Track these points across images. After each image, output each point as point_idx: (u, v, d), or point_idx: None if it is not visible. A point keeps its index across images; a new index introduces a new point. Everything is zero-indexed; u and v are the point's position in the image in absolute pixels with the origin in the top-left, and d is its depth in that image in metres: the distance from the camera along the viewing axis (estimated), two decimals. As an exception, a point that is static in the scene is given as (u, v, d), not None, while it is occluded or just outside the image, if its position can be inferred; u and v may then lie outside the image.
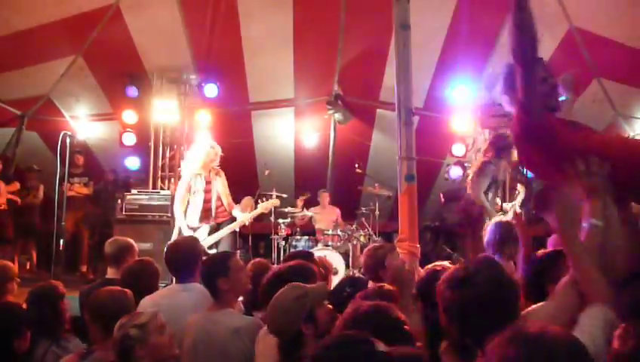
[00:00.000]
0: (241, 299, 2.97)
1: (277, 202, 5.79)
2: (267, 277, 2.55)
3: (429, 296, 2.06)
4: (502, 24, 6.87)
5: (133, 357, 2.01)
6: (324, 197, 8.15)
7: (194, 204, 5.22)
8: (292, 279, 2.29)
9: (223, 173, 5.38)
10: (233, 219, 5.34)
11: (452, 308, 1.52)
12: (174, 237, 5.25)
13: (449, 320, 1.54)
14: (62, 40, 6.90)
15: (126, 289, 2.66)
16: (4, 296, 3.12)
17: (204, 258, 3.16)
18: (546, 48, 7.16)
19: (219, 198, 5.28)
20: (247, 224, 5.46)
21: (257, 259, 3.51)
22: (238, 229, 5.44)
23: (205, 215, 5.22)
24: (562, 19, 6.60)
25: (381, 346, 1.25)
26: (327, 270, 3.36)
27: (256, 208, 5.71)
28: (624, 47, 6.55)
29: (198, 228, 5.17)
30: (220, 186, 5.29)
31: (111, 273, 3.61)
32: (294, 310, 2.04)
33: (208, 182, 5.26)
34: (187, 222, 5.15)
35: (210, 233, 5.19)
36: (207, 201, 5.24)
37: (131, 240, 3.83)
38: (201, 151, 5.27)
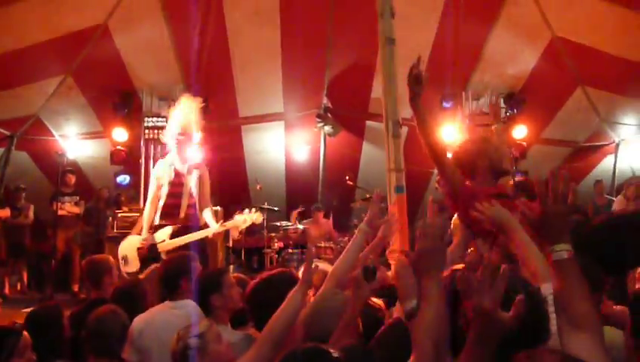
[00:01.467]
0: None
1: (255, 217, 4.66)
2: (254, 285, 2.55)
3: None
4: (486, 37, 7.03)
5: None
6: (318, 215, 7.99)
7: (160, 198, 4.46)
8: (267, 294, 2.33)
9: (204, 170, 4.64)
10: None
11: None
12: (129, 238, 4.66)
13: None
14: (51, 60, 6.92)
15: (118, 309, 2.66)
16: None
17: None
18: (530, 59, 7.38)
19: (191, 196, 4.46)
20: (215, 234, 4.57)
21: (235, 275, 3.49)
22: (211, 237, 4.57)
23: (168, 212, 4.42)
24: (545, 29, 6.74)
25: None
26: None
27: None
28: (606, 55, 6.70)
29: (160, 227, 4.45)
30: (194, 183, 4.49)
31: (94, 293, 3.55)
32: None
33: (179, 175, 4.46)
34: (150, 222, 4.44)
35: (175, 236, 4.42)
36: (173, 196, 4.43)
37: (109, 258, 3.73)
38: (174, 119, 4.56)
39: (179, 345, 2.10)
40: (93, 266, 3.58)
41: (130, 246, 4.63)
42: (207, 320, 2.22)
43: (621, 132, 8.23)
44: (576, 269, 1.36)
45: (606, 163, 8.73)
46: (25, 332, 2.37)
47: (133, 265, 4.56)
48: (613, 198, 7.81)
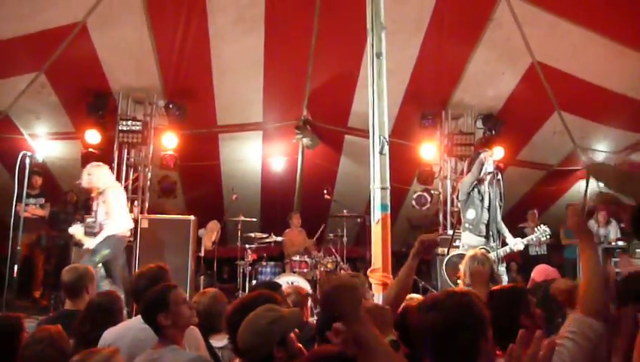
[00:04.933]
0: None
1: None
2: (233, 306, 2.46)
3: (407, 333, 2.02)
4: (468, 58, 7.10)
5: None
6: (296, 218, 8.13)
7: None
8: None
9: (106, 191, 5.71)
10: None
11: (421, 332, 1.54)
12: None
13: (422, 348, 1.55)
14: (24, 56, 6.67)
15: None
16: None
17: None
18: (509, 81, 7.48)
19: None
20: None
21: (206, 290, 3.40)
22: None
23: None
24: (525, 53, 6.85)
25: None
26: (302, 298, 3.28)
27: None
28: (583, 83, 6.83)
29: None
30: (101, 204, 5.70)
31: (69, 304, 3.38)
32: (268, 332, 2.02)
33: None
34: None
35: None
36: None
37: (90, 269, 3.61)
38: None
39: None
40: (77, 274, 3.40)
41: None
42: (112, 349, 2.09)
43: (593, 158, 8.41)
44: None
45: (577, 187, 8.90)
46: None
47: None
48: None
